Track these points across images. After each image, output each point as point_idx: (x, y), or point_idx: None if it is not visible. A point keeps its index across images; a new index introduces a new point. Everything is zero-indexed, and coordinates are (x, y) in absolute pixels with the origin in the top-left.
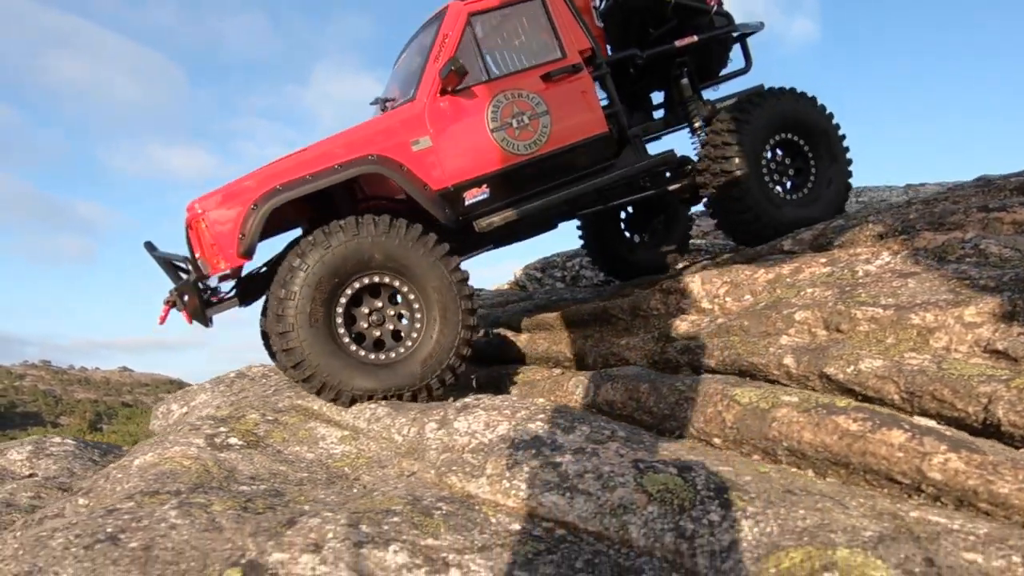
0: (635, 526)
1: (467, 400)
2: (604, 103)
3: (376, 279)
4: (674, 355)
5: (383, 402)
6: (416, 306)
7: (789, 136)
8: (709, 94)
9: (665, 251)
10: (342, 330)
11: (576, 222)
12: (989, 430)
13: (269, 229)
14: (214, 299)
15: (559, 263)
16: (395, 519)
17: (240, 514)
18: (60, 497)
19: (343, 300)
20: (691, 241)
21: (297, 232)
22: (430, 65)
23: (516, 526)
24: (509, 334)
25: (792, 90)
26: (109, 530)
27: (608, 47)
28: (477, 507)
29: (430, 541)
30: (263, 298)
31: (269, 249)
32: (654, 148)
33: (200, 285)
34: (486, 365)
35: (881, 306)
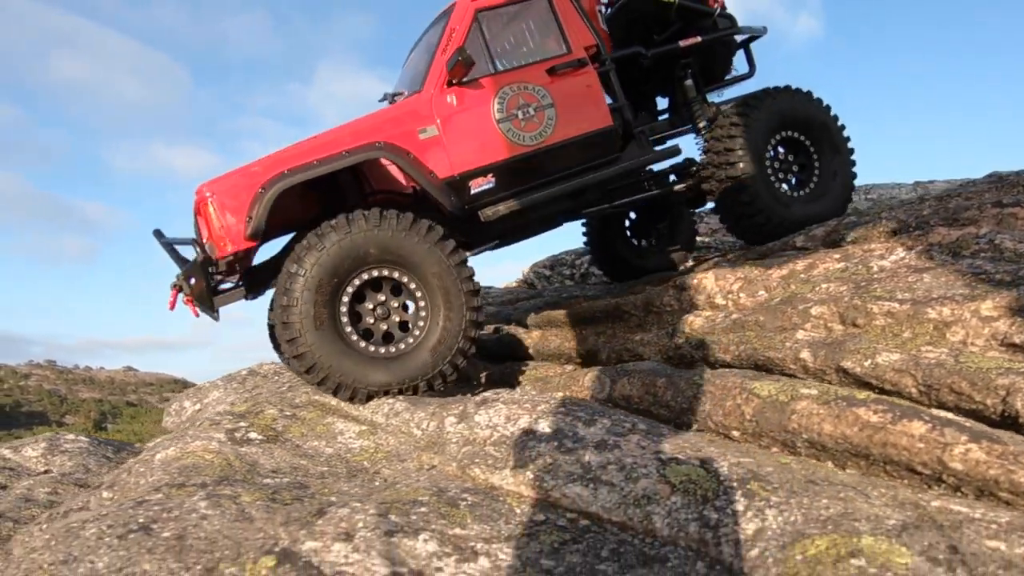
0: (659, 516)
1: (487, 395)
2: (609, 102)
3: (375, 273)
4: (689, 350)
5: (401, 397)
6: (419, 294)
7: (790, 134)
8: (713, 98)
9: (673, 253)
10: (349, 328)
11: (582, 229)
12: (1007, 422)
13: (278, 226)
14: (221, 287)
15: (568, 261)
16: (422, 509)
17: (269, 505)
18: (78, 492)
19: (346, 299)
20: (699, 239)
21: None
22: (437, 57)
23: (540, 516)
24: (520, 331)
25: (787, 87)
26: (141, 520)
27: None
28: (501, 498)
29: (458, 531)
30: (269, 292)
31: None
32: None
33: (208, 270)
34: (498, 362)
35: (897, 301)
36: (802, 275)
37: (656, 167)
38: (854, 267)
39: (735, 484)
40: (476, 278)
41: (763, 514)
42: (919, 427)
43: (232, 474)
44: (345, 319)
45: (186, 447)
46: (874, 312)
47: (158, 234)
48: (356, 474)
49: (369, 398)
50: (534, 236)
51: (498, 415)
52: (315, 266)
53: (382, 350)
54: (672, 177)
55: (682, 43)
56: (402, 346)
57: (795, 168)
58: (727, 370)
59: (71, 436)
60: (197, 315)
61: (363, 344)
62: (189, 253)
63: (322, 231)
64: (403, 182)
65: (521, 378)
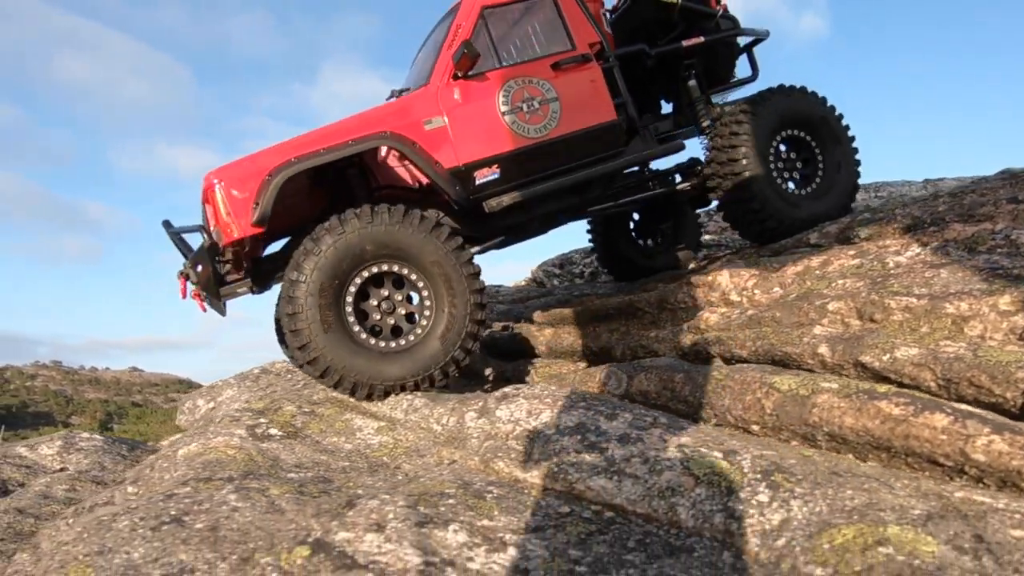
0: (684, 507)
1: (507, 390)
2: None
3: (375, 269)
4: (704, 346)
5: (419, 393)
6: (420, 285)
7: (791, 132)
8: (716, 101)
9: (681, 252)
10: (357, 328)
11: (587, 228)
12: None
13: (288, 225)
14: (228, 278)
15: (577, 259)
16: (450, 501)
17: (298, 497)
18: (97, 489)
19: (350, 299)
20: (708, 237)
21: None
22: (444, 52)
23: (566, 508)
24: (533, 329)
25: (781, 87)
26: (173, 513)
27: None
28: (526, 491)
29: (486, 522)
30: (275, 286)
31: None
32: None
33: (215, 256)
34: (510, 360)
35: (914, 296)
36: (817, 272)
37: (660, 167)
38: (869, 263)
39: (759, 476)
40: (475, 261)
41: (788, 505)
42: (941, 419)
43: (256, 469)
44: (352, 319)
45: (208, 443)
46: (891, 307)
47: (166, 224)
48: (377, 469)
49: (386, 394)
50: (539, 235)
51: (519, 410)
52: (315, 271)
53: (392, 344)
54: (676, 176)
55: (685, 43)
56: (411, 338)
57: (799, 165)
58: (745, 365)
59: (85, 434)
60: (205, 310)
61: (373, 341)
62: (197, 244)
63: (316, 235)
64: (410, 178)
65: (535, 375)
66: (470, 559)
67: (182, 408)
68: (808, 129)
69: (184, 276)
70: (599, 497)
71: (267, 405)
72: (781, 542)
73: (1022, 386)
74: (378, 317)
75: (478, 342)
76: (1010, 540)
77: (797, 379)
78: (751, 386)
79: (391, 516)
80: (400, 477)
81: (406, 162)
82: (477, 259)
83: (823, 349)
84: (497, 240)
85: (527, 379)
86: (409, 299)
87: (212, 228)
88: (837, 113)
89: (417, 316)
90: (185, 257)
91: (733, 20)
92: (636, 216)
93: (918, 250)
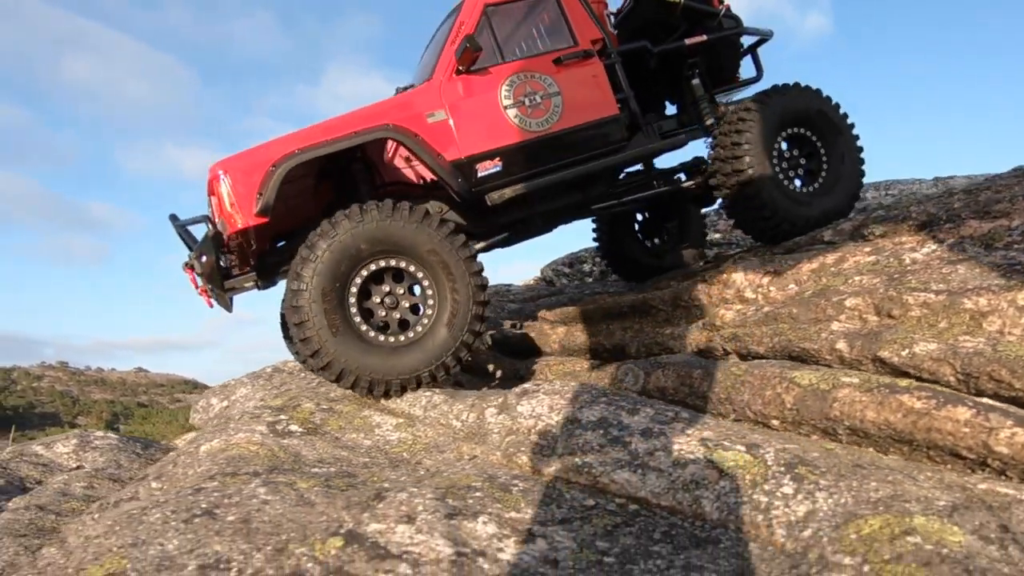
0: (708, 500)
1: (526, 386)
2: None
3: (374, 267)
4: (720, 343)
5: (438, 390)
6: (420, 275)
7: (793, 130)
8: (721, 100)
9: (687, 251)
10: (364, 327)
11: (592, 227)
12: None
13: (293, 225)
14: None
15: (587, 258)
16: (477, 494)
17: (327, 491)
18: (114, 487)
19: (353, 299)
20: (717, 235)
21: None
22: (447, 48)
23: (591, 501)
24: (545, 327)
25: (775, 87)
26: (204, 506)
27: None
28: (551, 484)
29: (513, 514)
30: (280, 282)
31: None
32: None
33: (219, 246)
34: (524, 358)
35: (932, 292)
36: (832, 268)
37: (664, 166)
38: (885, 260)
39: (783, 468)
40: (473, 249)
41: (813, 496)
42: (964, 412)
43: (280, 464)
44: (358, 318)
45: (230, 439)
46: (909, 303)
47: (173, 218)
48: (398, 464)
49: (403, 390)
50: (544, 233)
51: (541, 405)
52: (314, 277)
53: (401, 338)
54: (680, 175)
55: (688, 41)
56: (419, 329)
57: (802, 162)
58: (764, 361)
59: (100, 433)
60: (211, 305)
61: (382, 338)
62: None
63: (311, 242)
64: (414, 174)
65: (549, 373)
66: (500, 550)
67: (196, 407)
68: (808, 124)
69: (190, 267)
70: (623, 490)
71: (285, 402)
72: (808, 533)
73: None
74: (383, 313)
75: (484, 322)
76: None
77: (817, 374)
78: (771, 381)
79: (420, 508)
80: (422, 472)
81: (410, 159)
82: (483, 258)
83: (841, 345)
84: (501, 237)
85: (541, 377)
86: (411, 292)
87: (217, 219)
88: (834, 103)
89: (421, 307)
90: (191, 250)
91: (736, 19)
92: (641, 215)
93: (934, 247)
